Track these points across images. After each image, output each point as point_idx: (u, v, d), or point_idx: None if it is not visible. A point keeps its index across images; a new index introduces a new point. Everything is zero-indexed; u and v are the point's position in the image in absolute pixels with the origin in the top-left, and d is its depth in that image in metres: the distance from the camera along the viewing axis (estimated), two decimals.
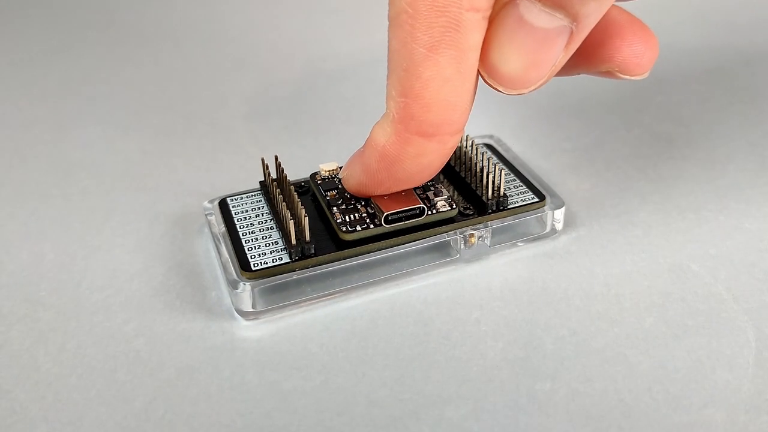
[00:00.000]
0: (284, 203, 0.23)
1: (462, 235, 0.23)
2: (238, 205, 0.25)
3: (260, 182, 0.25)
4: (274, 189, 0.23)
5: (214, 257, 0.24)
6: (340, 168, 0.25)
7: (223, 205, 0.25)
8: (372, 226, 0.22)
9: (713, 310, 0.22)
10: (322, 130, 0.33)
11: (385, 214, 0.22)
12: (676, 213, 0.26)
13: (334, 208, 0.23)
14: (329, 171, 0.25)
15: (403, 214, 0.23)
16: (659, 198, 0.27)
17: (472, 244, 0.24)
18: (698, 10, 0.44)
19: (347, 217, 0.23)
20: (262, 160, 0.25)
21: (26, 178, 0.30)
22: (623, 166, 0.29)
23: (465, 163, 0.25)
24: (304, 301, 0.22)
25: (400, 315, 0.22)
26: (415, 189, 0.24)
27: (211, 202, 0.25)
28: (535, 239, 0.25)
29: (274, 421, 0.19)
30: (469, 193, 0.25)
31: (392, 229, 0.23)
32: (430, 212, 0.23)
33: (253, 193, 0.25)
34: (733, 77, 0.36)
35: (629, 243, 0.25)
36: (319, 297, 0.23)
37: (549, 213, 0.25)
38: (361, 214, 0.23)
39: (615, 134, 0.32)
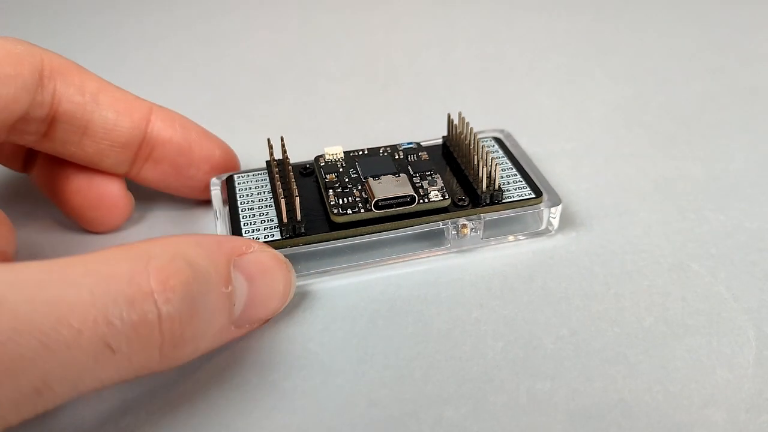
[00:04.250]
0: (279, 182, 0.23)
1: (453, 225, 0.24)
2: (243, 182, 0.25)
3: (266, 162, 0.26)
4: (274, 168, 0.24)
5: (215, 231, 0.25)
6: (345, 152, 0.26)
7: (230, 182, 0.25)
8: (363, 210, 0.23)
9: (713, 310, 0.22)
10: (328, 128, 0.33)
11: (376, 199, 0.23)
12: (676, 213, 0.26)
13: (330, 190, 0.24)
14: (333, 154, 0.25)
15: (394, 201, 0.23)
16: (659, 198, 0.27)
17: (464, 235, 0.24)
18: (699, 10, 0.44)
19: (341, 200, 0.23)
20: (268, 140, 0.25)
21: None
22: (623, 166, 0.29)
23: (466, 155, 0.25)
24: (297, 277, 0.23)
25: (400, 315, 0.22)
26: (411, 177, 0.24)
27: (218, 177, 0.26)
28: (529, 235, 0.25)
29: (274, 421, 0.19)
30: (466, 185, 0.25)
31: (382, 215, 0.23)
32: (421, 201, 0.23)
33: (259, 172, 0.26)
34: (733, 77, 0.36)
35: (629, 243, 0.25)
36: (311, 274, 0.23)
37: (545, 210, 0.25)
38: (354, 198, 0.23)
39: (615, 134, 0.32)
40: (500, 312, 0.22)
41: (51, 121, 0.23)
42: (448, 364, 0.20)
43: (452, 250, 0.24)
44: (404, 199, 0.23)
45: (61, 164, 0.25)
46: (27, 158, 0.26)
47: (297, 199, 0.22)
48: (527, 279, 0.23)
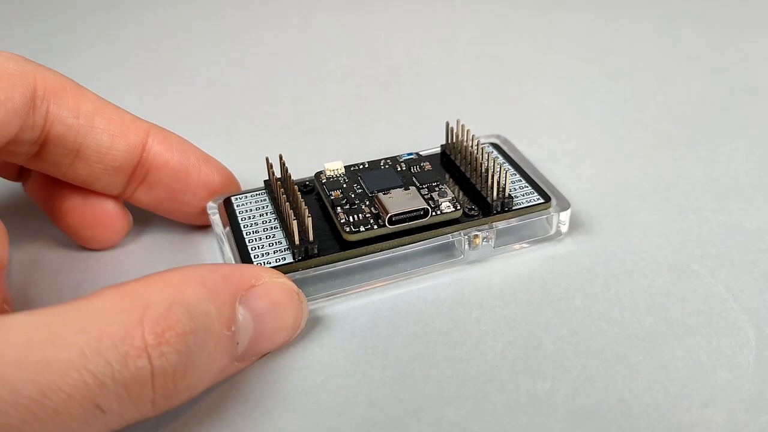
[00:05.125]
0: (287, 203, 0.23)
1: (466, 236, 0.23)
2: (242, 204, 0.25)
3: (264, 181, 0.25)
4: (278, 188, 0.23)
5: (219, 257, 0.24)
6: (346, 167, 0.25)
7: (228, 204, 0.25)
8: (376, 226, 0.22)
9: (713, 310, 0.22)
10: (327, 127, 0.33)
11: (390, 214, 0.22)
12: (676, 213, 0.26)
13: (338, 208, 0.23)
14: (334, 170, 0.25)
15: (407, 215, 0.22)
16: (659, 198, 0.27)
17: (477, 245, 0.24)
18: (698, 10, 0.44)
19: (351, 217, 0.23)
20: (267, 159, 0.25)
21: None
22: (623, 166, 0.29)
23: (471, 163, 0.25)
24: (308, 300, 0.22)
25: (401, 315, 0.22)
26: (420, 189, 0.24)
27: (215, 201, 0.25)
28: (539, 241, 0.25)
29: (274, 422, 0.19)
30: (474, 194, 0.25)
31: (396, 230, 0.23)
32: (434, 213, 0.23)
33: (257, 193, 0.25)
34: (733, 77, 0.36)
35: (629, 243, 0.25)
36: (321, 297, 0.23)
37: (554, 215, 0.24)
38: (365, 215, 0.23)
39: (615, 134, 0.32)
40: (500, 312, 0.22)
41: (42, 143, 0.22)
42: (448, 364, 0.20)
43: (464, 262, 0.24)
44: (418, 213, 0.23)
45: (56, 181, 0.24)
46: (21, 168, 0.25)
47: (309, 219, 0.22)
48: (527, 279, 0.23)
